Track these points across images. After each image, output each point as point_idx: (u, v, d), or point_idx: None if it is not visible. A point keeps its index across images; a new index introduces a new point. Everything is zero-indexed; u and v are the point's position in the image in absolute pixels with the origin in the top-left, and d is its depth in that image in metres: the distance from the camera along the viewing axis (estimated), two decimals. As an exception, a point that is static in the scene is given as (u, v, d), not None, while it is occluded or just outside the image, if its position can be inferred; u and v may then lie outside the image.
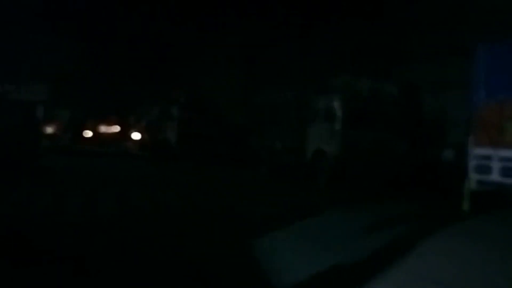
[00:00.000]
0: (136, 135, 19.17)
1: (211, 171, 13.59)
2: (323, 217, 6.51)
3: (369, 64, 13.82)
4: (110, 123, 25.99)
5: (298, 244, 4.83)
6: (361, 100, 10.41)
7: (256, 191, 9.75)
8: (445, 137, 12.10)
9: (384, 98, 10.75)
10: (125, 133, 22.85)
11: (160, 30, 24.77)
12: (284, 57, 18.86)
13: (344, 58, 15.25)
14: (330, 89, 11.06)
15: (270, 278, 3.61)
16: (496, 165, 6.87)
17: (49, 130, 22.70)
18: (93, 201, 6.86)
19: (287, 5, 17.86)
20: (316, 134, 10.95)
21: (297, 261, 4.10)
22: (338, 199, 8.72)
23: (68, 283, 3.26)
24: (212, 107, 16.78)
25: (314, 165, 10.80)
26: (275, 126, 13.08)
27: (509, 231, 6.41)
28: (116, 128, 26.87)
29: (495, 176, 6.89)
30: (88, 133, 25.32)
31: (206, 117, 16.04)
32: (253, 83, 18.93)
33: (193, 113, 15.97)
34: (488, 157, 7.04)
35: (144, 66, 26.99)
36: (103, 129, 26.92)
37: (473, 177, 7.21)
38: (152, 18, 23.80)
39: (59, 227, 4.98)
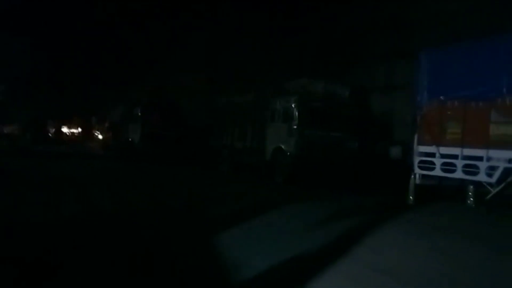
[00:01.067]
0: (98, 136, 18.69)
1: (173, 170, 13.54)
2: (280, 213, 6.72)
3: (323, 67, 14.42)
4: (72, 124, 25.10)
5: (256, 239, 4.95)
6: (316, 101, 10.88)
7: (217, 189, 9.88)
8: (393, 135, 12.89)
9: (337, 99, 11.31)
10: (87, 134, 22.19)
11: (123, 32, 24.18)
12: (245, 59, 19.15)
13: (301, 62, 15.78)
14: (288, 90, 11.47)
15: (229, 274, 3.72)
16: (438, 161, 7.48)
17: (6, 130, 21.58)
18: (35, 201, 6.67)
19: (247, 9, 18.16)
20: (275, 134, 11.30)
21: (255, 256, 4.18)
22: (295, 195, 9.06)
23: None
24: (175, 108, 16.69)
25: (274, 163, 11.15)
26: (237, 126, 13.32)
27: (450, 221, 6.93)
28: (78, 129, 25.98)
29: (437, 171, 7.50)
30: (49, 134, 24.29)
31: (169, 117, 15.94)
32: (215, 85, 19.04)
33: (156, 113, 15.82)
34: (431, 154, 7.64)
35: (107, 67, 26.21)
36: (65, 129, 25.95)
37: (418, 173, 7.79)
38: (116, 19, 23.19)
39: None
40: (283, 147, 10.86)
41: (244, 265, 3.90)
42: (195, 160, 15.34)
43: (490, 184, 6.76)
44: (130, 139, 16.11)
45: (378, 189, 10.14)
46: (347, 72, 14.27)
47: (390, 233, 5.66)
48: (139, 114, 15.89)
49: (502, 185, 6.50)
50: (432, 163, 7.54)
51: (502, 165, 6.54)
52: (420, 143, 7.79)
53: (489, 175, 6.67)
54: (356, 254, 4.47)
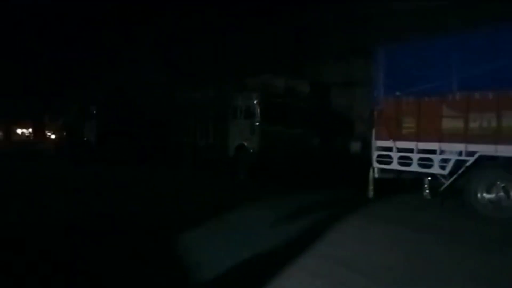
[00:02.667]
0: (51, 136, 17.81)
1: (132, 169, 13.16)
2: (241, 210, 6.73)
3: (284, 64, 14.52)
4: (23, 124, 23.85)
5: (216, 236, 4.94)
6: (277, 97, 10.93)
7: (178, 187, 9.71)
8: (353, 131, 13.21)
9: (297, 95, 11.43)
10: (39, 134, 21.12)
11: (78, 29, 23.14)
12: (206, 56, 18.95)
13: (262, 58, 15.81)
14: (249, 87, 11.45)
15: (189, 272, 3.68)
16: (395, 155, 7.71)
17: None
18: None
19: (208, 4, 17.97)
20: (237, 130, 11.26)
21: (217, 254, 4.17)
22: (257, 192, 9.07)
23: None
24: (133, 105, 16.10)
25: (236, 159, 11.12)
26: (198, 123, 13.13)
27: (407, 213, 7.19)
28: (29, 129, 24.71)
29: (394, 165, 7.73)
30: None
31: (127, 115, 15.33)
32: (175, 82, 18.67)
33: (113, 111, 15.16)
34: (388, 149, 7.86)
35: (59, 66, 24.99)
36: (16, 130, 24.64)
37: (376, 167, 8.01)
38: (71, 16, 22.15)
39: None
40: (245, 144, 10.85)
41: (204, 263, 3.88)
42: (155, 158, 14.96)
43: (443, 176, 7.05)
44: (85, 139, 15.46)
45: (339, 183, 10.35)
46: (307, 69, 14.45)
47: (351, 226, 5.81)
48: (95, 112, 15.26)
49: (454, 176, 6.79)
50: (390, 157, 7.77)
51: (453, 158, 6.85)
52: (378, 138, 7.99)
53: (442, 168, 6.97)
54: (317, 248, 4.56)
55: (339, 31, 13.78)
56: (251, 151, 10.61)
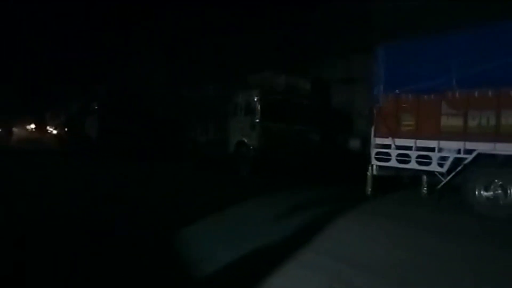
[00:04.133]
0: (53, 132, 17.93)
1: (134, 165, 13.22)
2: (241, 206, 6.74)
3: (285, 62, 14.53)
4: (24, 121, 24.02)
5: (217, 232, 4.96)
6: (278, 94, 10.96)
7: (180, 183, 9.76)
8: (353, 128, 13.23)
9: (298, 92, 11.45)
10: (41, 130, 21.24)
11: (81, 27, 23.18)
12: (208, 54, 18.97)
13: (263, 56, 15.83)
14: (250, 84, 11.48)
15: (191, 267, 3.70)
16: (393, 153, 7.74)
17: None
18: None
19: (210, 3, 17.98)
20: (238, 127, 11.30)
21: (219, 250, 4.19)
22: (257, 188, 9.09)
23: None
24: (135, 103, 16.14)
25: (237, 156, 11.16)
26: (200, 120, 13.19)
27: (405, 210, 7.24)
28: (31, 126, 24.89)
29: (393, 163, 7.76)
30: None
31: (129, 111, 15.36)
32: (177, 79, 18.72)
33: (114, 107, 15.17)
34: (387, 146, 7.89)
35: (62, 63, 25.03)
36: (19, 126, 24.81)
37: (375, 164, 8.04)
38: (74, 13, 22.18)
39: None
40: (246, 140, 10.90)
41: (206, 258, 3.90)
42: (157, 154, 15.01)
43: (441, 173, 7.08)
44: (87, 135, 15.52)
45: (339, 180, 10.38)
46: (308, 66, 14.46)
47: (350, 223, 5.83)
48: (96, 108, 15.31)
49: (452, 174, 6.82)
50: (388, 154, 7.79)
51: (452, 156, 6.87)
52: (377, 135, 8.02)
53: (440, 165, 6.99)
54: (317, 244, 4.57)
55: (339, 28, 13.77)
56: (251, 147, 10.65)
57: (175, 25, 20.60)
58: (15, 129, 25.01)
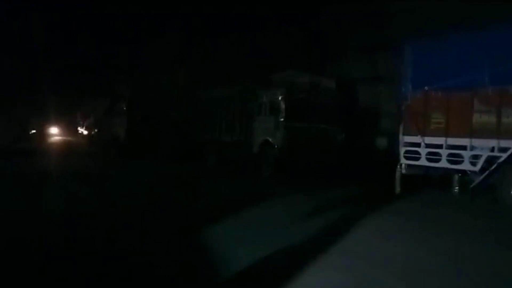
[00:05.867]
0: (83, 132, 18.38)
1: (161, 166, 13.41)
2: (267, 206, 6.73)
3: (309, 60, 14.44)
4: (56, 121, 24.75)
5: (244, 232, 4.96)
6: (302, 93, 10.89)
7: (205, 183, 9.84)
8: (380, 126, 13.02)
9: (323, 91, 11.35)
10: (72, 130, 21.80)
11: (104, 27, 23.71)
12: (230, 52, 19.03)
13: (287, 54, 15.76)
14: (274, 83, 11.45)
15: (218, 267, 3.72)
16: (423, 151, 7.59)
17: None
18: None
19: (231, 1, 18.03)
20: (261, 127, 11.28)
21: (244, 249, 4.19)
22: (282, 188, 9.07)
23: None
24: (160, 102, 16.36)
25: (261, 156, 11.15)
26: (222, 120, 13.23)
27: (436, 210, 7.03)
28: (62, 126, 25.65)
29: (422, 161, 7.61)
30: (32, 133, 23.98)
31: (154, 112, 15.58)
32: (200, 78, 18.86)
33: (141, 108, 15.42)
34: (416, 144, 7.74)
35: (86, 64, 25.68)
36: (49, 128, 25.59)
37: (404, 163, 7.89)
38: (96, 14, 22.71)
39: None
40: (270, 140, 10.86)
41: (233, 258, 3.91)
42: (183, 155, 15.18)
43: (474, 172, 6.89)
44: (115, 135, 15.82)
45: (365, 179, 10.24)
46: (332, 64, 14.33)
47: (379, 224, 5.72)
48: (125, 109, 15.57)
49: (486, 173, 6.62)
50: (418, 153, 7.65)
51: (485, 154, 6.67)
52: (406, 133, 7.89)
53: (473, 164, 6.80)
54: (346, 245, 4.49)
55: (365, 26, 13.57)
56: (276, 146, 10.62)
57: (197, 25, 20.74)
58: (49, 130, 25.73)
